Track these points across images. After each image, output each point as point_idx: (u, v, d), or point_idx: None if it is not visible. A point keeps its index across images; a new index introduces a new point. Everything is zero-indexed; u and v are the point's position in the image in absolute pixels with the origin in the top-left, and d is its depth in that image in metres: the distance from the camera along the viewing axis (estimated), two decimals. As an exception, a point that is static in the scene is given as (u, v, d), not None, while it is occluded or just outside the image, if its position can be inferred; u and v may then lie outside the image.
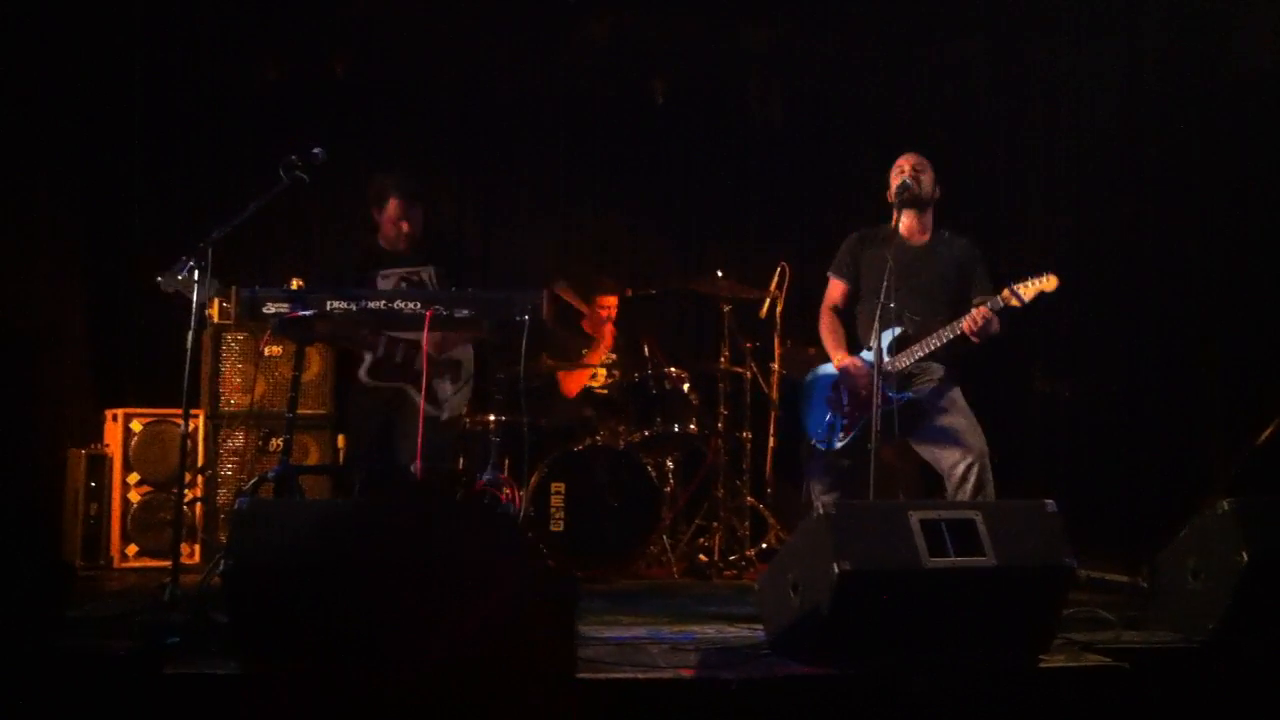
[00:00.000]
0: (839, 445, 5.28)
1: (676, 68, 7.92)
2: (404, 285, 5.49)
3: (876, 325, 4.80)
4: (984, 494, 4.94)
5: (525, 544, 3.44)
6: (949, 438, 5.08)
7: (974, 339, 5.01)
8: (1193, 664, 3.81)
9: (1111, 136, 7.20)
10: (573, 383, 7.05)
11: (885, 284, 4.80)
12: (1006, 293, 5.00)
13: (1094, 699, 3.53)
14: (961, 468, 5.01)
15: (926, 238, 5.35)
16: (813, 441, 5.42)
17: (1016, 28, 7.33)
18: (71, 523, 6.19)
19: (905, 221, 5.28)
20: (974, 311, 4.99)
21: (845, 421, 5.27)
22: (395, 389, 5.39)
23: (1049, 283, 4.98)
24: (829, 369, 5.41)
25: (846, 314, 5.47)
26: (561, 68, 7.80)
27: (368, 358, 5.41)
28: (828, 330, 5.46)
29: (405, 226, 5.50)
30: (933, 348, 5.09)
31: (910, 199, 5.20)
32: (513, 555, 3.40)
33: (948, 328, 5.06)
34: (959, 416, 5.12)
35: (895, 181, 5.26)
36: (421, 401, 4.85)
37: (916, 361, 5.12)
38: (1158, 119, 7.07)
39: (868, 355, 5.16)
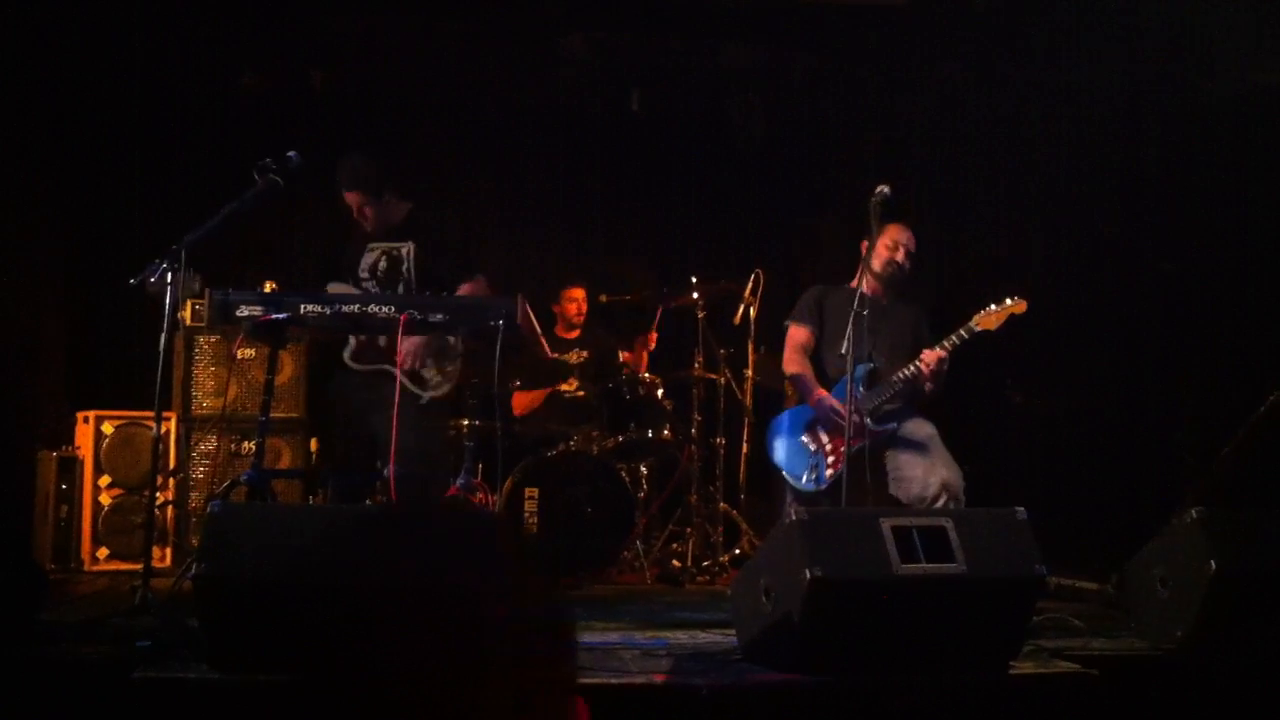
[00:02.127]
0: (828, 482, 5.24)
1: (657, 83, 7.95)
2: (385, 260, 5.46)
3: (850, 358, 4.85)
4: None
5: (517, 553, 3.41)
6: (922, 469, 5.09)
7: (929, 381, 5.11)
8: (1161, 672, 3.84)
9: (1084, 155, 7.26)
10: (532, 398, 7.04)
11: (862, 324, 4.87)
12: (977, 320, 5.04)
13: (1063, 706, 3.55)
14: (930, 495, 5.02)
15: (885, 299, 5.44)
16: (800, 485, 5.33)
17: (993, 48, 7.37)
18: (42, 525, 6.15)
19: (869, 281, 5.34)
20: (926, 355, 5.08)
21: (831, 458, 5.27)
22: (377, 371, 5.37)
23: (1018, 306, 5.05)
24: (795, 414, 5.45)
25: (812, 359, 5.50)
26: (542, 80, 7.83)
27: (352, 341, 5.38)
28: (799, 369, 5.46)
29: (369, 216, 5.47)
30: (900, 383, 5.16)
31: (889, 279, 5.32)
32: (501, 567, 3.39)
33: (910, 365, 5.14)
34: (933, 452, 5.12)
35: (885, 256, 5.35)
36: (395, 402, 4.82)
37: (889, 401, 5.18)
38: (1131, 137, 7.13)
39: (840, 391, 5.19)
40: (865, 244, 5.33)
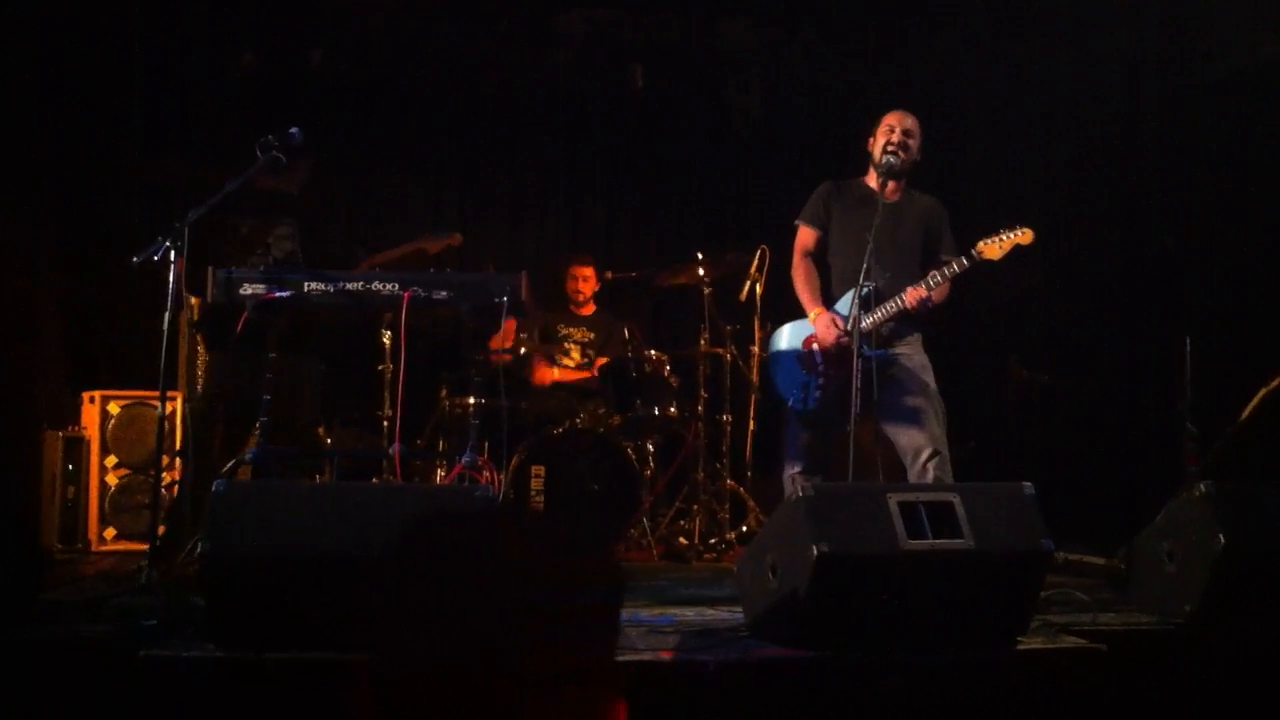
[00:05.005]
0: (816, 405, 5.12)
1: (656, 60, 7.93)
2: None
3: (853, 292, 4.78)
4: (944, 480, 4.90)
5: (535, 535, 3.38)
6: (916, 421, 5.01)
7: (914, 312, 4.97)
8: (1168, 646, 3.83)
9: (1089, 131, 7.23)
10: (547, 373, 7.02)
11: (869, 249, 4.77)
12: (980, 247, 4.92)
13: (1070, 680, 3.54)
14: (926, 454, 4.94)
15: (897, 197, 5.23)
16: (789, 403, 5.22)
17: (993, 23, 7.33)
18: (49, 506, 6.16)
19: (879, 180, 5.20)
20: (909, 294, 4.92)
21: (821, 380, 5.12)
22: None
23: (1024, 236, 4.87)
24: (796, 328, 5.26)
25: (820, 261, 5.31)
26: (541, 59, 7.80)
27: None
28: (804, 281, 5.27)
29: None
30: (894, 310, 4.98)
31: (894, 173, 5.14)
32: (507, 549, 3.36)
33: (898, 297, 4.97)
34: (929, 402, 5.05)
35: (881, 141, 5.15)
36: (400, 379, 4.80)
37: (888, 321, 5.04)
38: (1133, 114, 7.10)
39: (839, 309, 5.11)
40: (870, 141, 5.23)
